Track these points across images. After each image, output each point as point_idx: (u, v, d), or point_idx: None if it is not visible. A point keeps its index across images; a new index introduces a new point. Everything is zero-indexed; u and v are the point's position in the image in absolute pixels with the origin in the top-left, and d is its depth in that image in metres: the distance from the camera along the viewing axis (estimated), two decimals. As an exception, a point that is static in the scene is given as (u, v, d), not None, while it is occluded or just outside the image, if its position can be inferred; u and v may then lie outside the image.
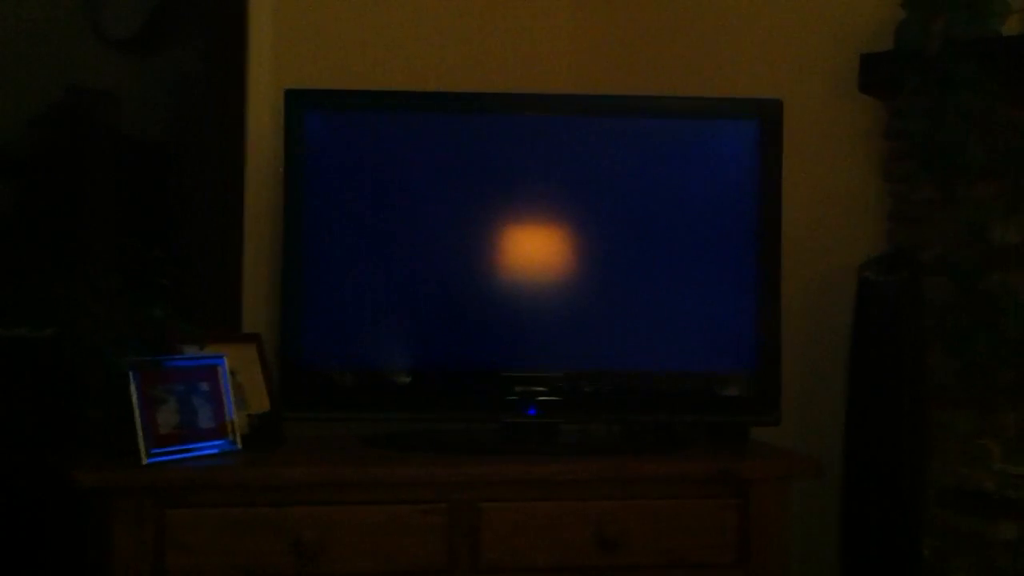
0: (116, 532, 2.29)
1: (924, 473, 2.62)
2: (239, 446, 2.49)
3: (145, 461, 2.33)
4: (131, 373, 2.35)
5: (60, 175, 3.90)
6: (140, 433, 2.33)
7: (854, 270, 2.66)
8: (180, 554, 2.31)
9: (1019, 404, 2.57)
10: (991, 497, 2.60)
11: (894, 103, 2.74)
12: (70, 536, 2.84)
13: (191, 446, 2.42)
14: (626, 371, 2.64)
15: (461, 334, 2.64)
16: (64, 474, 2.34)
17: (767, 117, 2.64)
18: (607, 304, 2.65)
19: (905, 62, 2.63)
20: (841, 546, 2.67)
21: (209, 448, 2.44)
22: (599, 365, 2.64)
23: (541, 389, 2.60)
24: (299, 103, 2.63)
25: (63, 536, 2.86)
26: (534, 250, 2.68)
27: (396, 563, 2.39)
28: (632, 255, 2.66)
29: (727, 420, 2.64)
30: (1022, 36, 2.56)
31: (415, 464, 2.45)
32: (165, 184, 3.68)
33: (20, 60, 4.13)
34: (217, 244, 2.87)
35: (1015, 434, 2.58)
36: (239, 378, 2.60)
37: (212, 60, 2.92)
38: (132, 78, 4.31)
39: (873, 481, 2.60)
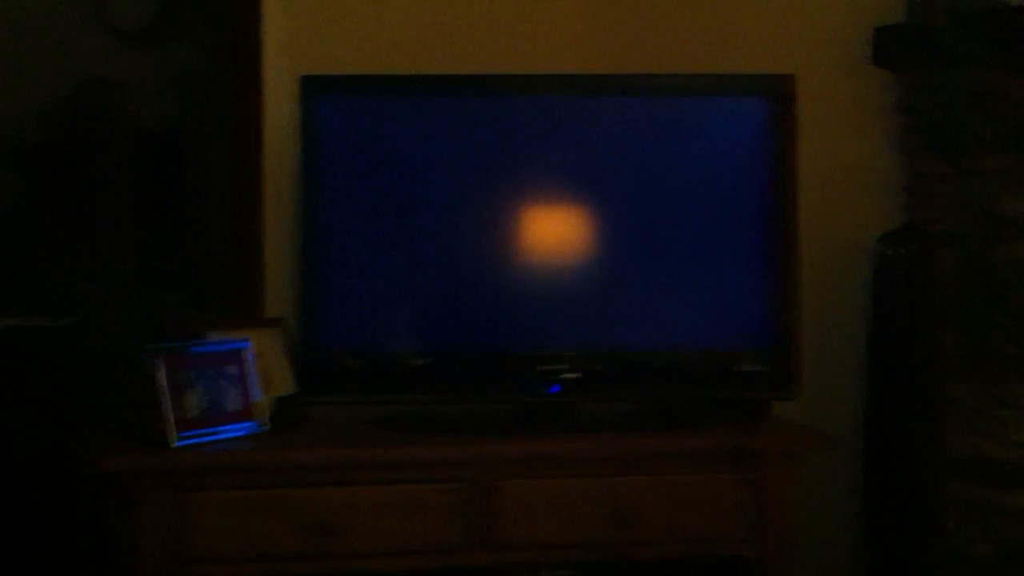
0: (140, 517, 2.31)
1: (942, 445, 2.62)
2: (267, 427, 2.50)
3: (174, 444, 2.35)
4: (155, 360, 2.36)
5: (73, 167, 3.90)
6: (169, 417, 2.35)
7: (870, 245, 2.66)
8: (202, 537, 2.33)
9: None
10: (1004, 467, 2.60)
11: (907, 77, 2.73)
12: (91, 521, 2.86)
13: (218, 428, 2.43)
14: (643, 350, 2.63)
15: (477, 316, 2.64)
16: (85, 460, 2.36)
17: (781, 93, 2.63)
18: (623, 283, 2.65)
19: (914, 36, 2.62)
20: (863, 517, 2.67)
21: (236, 431, 2.46)
22: (616, 344, 2.63)
23: (564, 367, 2.60)
24: (315, 89, 2.63)
25: (84, 521, 2.88)
26: (547, 231, 2.68)
27: (414, 542, 2.41)
28: (648, 234, 2.65)
29: (744, 396, 2.64)
30: (1028, 7, 2.55)
31: (431, 444, 2.46)
32: (180, 173, 3.69)
33: (31, 52, 4.13)
34: (238, 232, 2.87)
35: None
36: (264, 362, 2.61)
37: (227, 48, 2.92)
38: (145, 68, 4.30)
39: (893, 453, 2.60)
